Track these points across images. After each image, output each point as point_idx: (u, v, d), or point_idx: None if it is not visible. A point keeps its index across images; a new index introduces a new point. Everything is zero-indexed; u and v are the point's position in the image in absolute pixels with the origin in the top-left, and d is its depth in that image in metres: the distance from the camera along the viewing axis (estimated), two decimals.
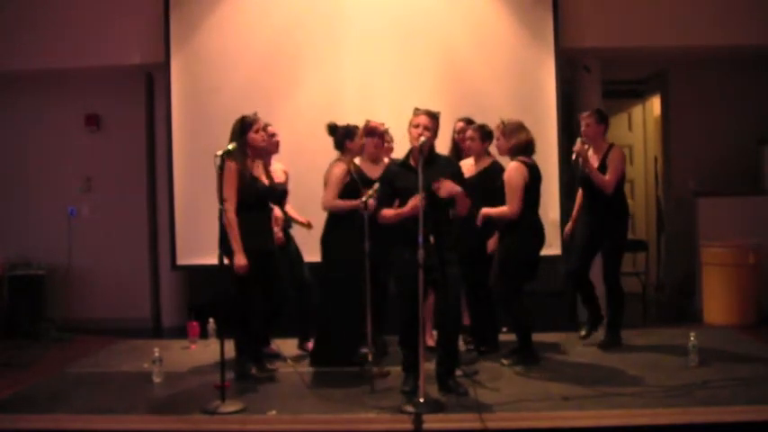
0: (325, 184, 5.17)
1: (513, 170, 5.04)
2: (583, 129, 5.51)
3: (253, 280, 4.77)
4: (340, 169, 5.11)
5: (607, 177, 5.35)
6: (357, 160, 5.32)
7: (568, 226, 5.82)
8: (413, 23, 6.70)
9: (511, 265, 5.06)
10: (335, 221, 5.16)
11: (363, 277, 4.74)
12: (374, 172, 5.27)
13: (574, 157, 5.50)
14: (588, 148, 5.41)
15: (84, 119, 7.35)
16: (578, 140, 5.42)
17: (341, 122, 5.28)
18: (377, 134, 5.33)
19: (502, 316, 5.47)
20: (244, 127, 4.82)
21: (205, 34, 6.81)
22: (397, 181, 4.48)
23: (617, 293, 5.54)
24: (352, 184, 5.10)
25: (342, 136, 5.19)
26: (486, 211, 5.04)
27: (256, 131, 4.84)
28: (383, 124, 5.40)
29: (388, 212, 4.49)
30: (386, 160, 5.40)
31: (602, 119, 5.53)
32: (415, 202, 4.23)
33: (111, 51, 6.94)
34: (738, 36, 6.83)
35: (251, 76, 6.71)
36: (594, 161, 5.43)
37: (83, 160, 7.36)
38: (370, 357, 4.78)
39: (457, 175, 4.56)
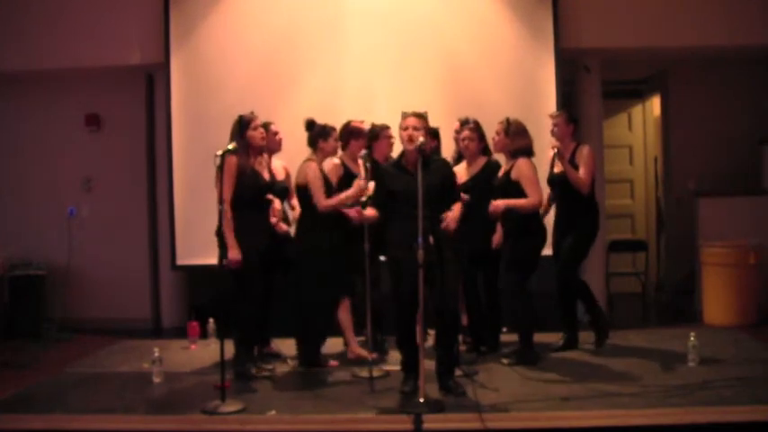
0: (298, 185, 5.13)
1: (525, 165, 5.07)
2: (552, 129, 5.50)
3: (253, 278, 4.80)
4: (314, 169, 5.06)
5: (581, 177, 5.34)
6: (339, 158, 5.30)
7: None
8: (413, 24, 6.70)
9: (519, 265, 5.07)
10: (308, 220, 5.14)
11: (331, 276, 4.93)
12: (357, 170, 5.27)
13: (551, 156, 5.49)
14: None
15: (84, 119, 7.35)
16: (553, 140, 5.42)
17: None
18: (362, 135, 5.32)
19: (502, 316, 5.47)
20: (242, 126, 4.88)
21: (205, 34, 6.82)
22: (392, 183, 4.48)
23: (578, 287, 5.47)
24: (325, 184, 5.09)
25: (316, 134, 5.16)
26: (509, 202, 4.99)
27: (254, 129, 4.90)
28: (363, 122, 5.39)
29: (369, 212, 4.58)
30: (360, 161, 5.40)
31: (572, 119, 5.52)
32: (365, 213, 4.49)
33: (111, 51, 6.94)
34: (739, 36, 6.82)
35: (251, 75, 6.72)
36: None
37: (83, 160, 7.36)
38: (370, 358, 4.79)
39: (449, 178, 4.56)
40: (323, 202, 5.02)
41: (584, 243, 5.45)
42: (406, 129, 4.43)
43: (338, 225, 5.04)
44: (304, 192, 5.09)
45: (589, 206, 5.41)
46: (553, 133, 5.47)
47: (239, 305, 4.81)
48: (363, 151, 5.05)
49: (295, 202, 5.56)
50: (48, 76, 7.25)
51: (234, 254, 4.67)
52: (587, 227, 5.43)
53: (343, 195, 5.00)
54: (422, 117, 4.47)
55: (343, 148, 5.35)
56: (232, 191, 4.73)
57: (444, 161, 4.81)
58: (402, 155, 4.54)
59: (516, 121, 5.20)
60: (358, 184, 4.90)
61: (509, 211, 5.06)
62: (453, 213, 4.45)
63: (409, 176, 4.31)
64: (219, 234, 4.59)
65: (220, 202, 4.51)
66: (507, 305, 5.20)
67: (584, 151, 5.39)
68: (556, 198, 5.55)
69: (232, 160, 4.71)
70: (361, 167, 5.30)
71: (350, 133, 5.29)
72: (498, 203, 4.97)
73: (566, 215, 5.46)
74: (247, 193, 4.80)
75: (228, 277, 4.71)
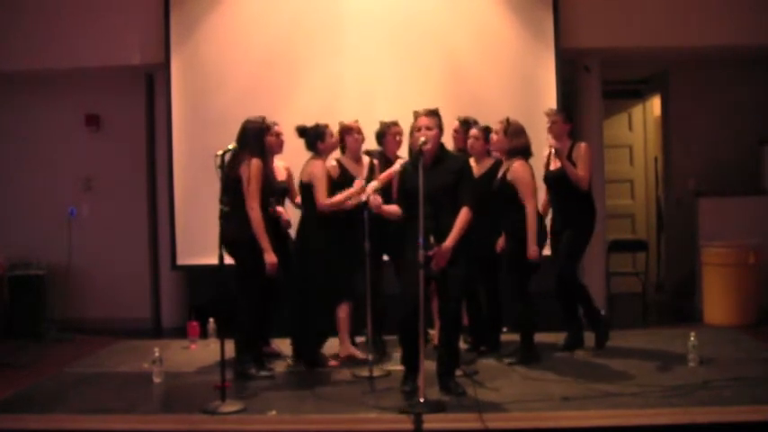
0: (303, 183, 5.15)
1: (522, 169, 5.07)
2: (549, 125, 5.49)
3: (256, 279, 4.82)
4: (320, 167, 5.08)
5: (580, 173, 5.34)
6: (337, 159, 5.30)
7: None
8: (413, 24, 6.70)
9: (521, 265, 5.07)
10: (311, 219, 5.14)
11: (332, 276, 4.96)
12: (357, 170, 5.28)
13: (552, 153, 5.47)
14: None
15: (84, 119, 7.35)
16: (550, 138, 5.41)
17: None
18: (354, 131, 5.33)
19: (503, 316, 5.48)
20: (263, 131, 4.99)
21: (205, 34, 6.82)
22: (407, 182, 4.48)
23: (576, 289, 5.44)
24: (330, 182, 5.11)
25: (313, 137, 5.18)
26: (531, 238, 4.98)
27: (272, 135, 5.12)
28: (357, 121, 5.39)
29: (392, 208, 4.60)
30: (366, 159, 5.40)
31: (569, 120, 5.53)
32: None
33: (111, 51, 6.94)
34: (738, 36, 6.83)
35: (251, 75, 6.72)
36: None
37: (83, 160, 7.36)
38: (370, 357, 4.80)
39: (461, 172, 4.50)
40: (323, 200, 5.03)
41: (582, 241, 5.44)
42: (419, 129, 4.43)
43: (341, 224, 5.04)
44: (309, 190, 5.10)
45: (586, 203, 5.42)
46: (549, 131, 5.47)
47: (240, 305, 4.82)
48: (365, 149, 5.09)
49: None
50: (48, 76, 7.25)
51: (270, 257, 4.74)
52: (585, 224, 5.43)
53: (343, 195, 5.01)
54: (433, 114, 4.46)
55: (342, 150, 5.36)
56: (260, 194, 4.79)
57: (460, 156, 4.76)
58: (420, 153, 4.50)
59: (516, 121, 5.21)
60: (359, 182, 4.93)
61: (507, 213, 5.09)
62: (446, 245, 4.29)
63: (424, 174, 4.26)
64: (222, 236, 4.57)
65: (221, 201, 4.51)
66: (516, 304, 5.19)
67: (581, 148, 5.39)
68: (552, 196, 5.55)
69: (259, 165, 4.78)
70: (364, 167, 5.30)
71: (341, 132, 5.31)
72: (535, 250, 4.98)
73: (563, 213, 5.46)
74: (262, 197, 4.84)
75: (228, 277, 4.71)
